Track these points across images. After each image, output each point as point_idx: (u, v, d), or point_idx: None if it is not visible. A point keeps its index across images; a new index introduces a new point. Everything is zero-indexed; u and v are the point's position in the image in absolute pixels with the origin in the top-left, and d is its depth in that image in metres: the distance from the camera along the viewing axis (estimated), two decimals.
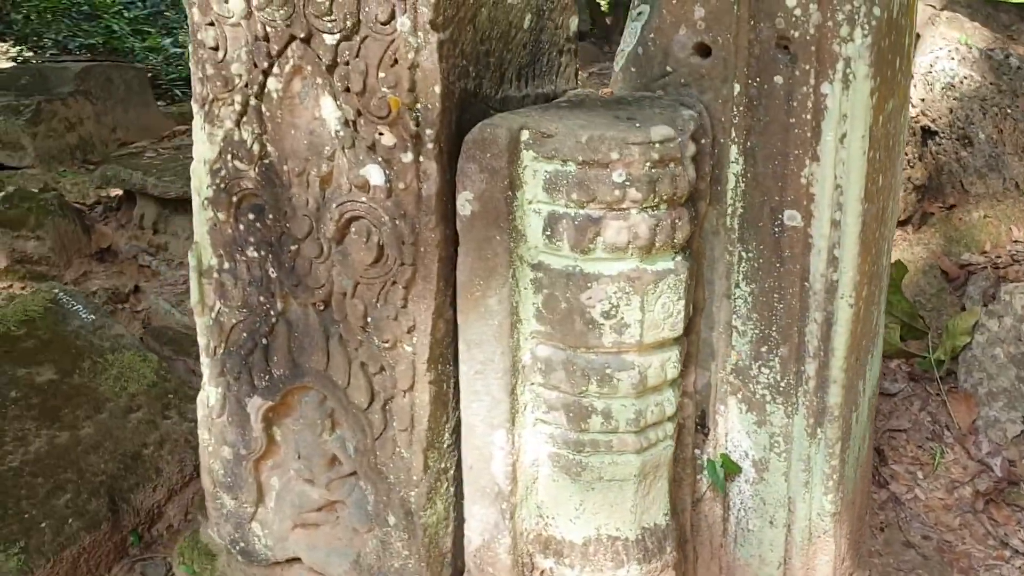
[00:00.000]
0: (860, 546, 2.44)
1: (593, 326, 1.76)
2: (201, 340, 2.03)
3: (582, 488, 1.89)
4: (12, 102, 5.78)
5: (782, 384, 2.03)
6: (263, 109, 1.80)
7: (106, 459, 2.81)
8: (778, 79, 1.87)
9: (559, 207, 1.73)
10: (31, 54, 9.73)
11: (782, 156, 1.90)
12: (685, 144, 1.75)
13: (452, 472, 1.97)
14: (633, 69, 2.02)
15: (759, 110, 1.91)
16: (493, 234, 1.76)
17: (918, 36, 3.78)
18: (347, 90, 1.71)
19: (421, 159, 1.71)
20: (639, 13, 2.02)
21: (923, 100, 3.86)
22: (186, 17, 1.85)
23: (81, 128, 5.99)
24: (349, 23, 1.66)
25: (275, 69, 1.76)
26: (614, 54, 2.06)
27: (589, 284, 1.74)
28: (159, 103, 7.13)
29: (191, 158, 2.03)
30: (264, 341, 1.94)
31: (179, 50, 9.71)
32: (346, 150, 1.74)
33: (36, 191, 4.65)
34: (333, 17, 1.67)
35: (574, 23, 2.06)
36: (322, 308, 1.88)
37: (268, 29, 1.73)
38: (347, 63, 1.69)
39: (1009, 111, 3.69)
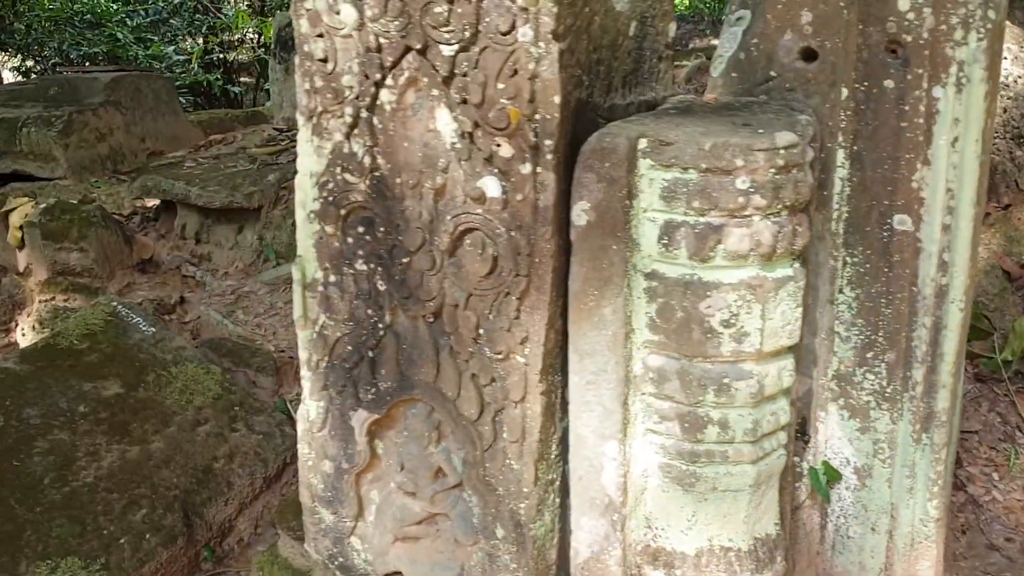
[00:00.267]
0: (947, 550, 2.42)
1: (712, 335, 1.74)
2: (303, 354, 2.01)
3: (695, 499, 1.87)
4: (43, 113, 5.77)
5: (888, 390, 2.01)
6: (375, 121, 1.78)
7: (178, 473, 2.80)
8: (888, 83, 1.85)
9: (677, 215, 1.71)
10: (32, 63, 9.74)
11: (892, 160, 1.88)
12: (806, 150, 1.74)
13: (558, 483, 1.95)
14: (734, 74, 2.01)
15: (867, 114, 1.90)
16: (609, 243, 1.74)
17: None
18: (464, 102, 1.69)
19: (539, 170, 1.69)
20: (738, 18, 2.00)
21: None
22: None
23: (111, 138, 5.97)
24: (468, 33, 1.65)
25: (388, 81, 1.74)
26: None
27: (708, 292, 1.72)
28: None
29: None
30: (371, 354, 1.92)
31: (181, 57, 9.72)
32: (462, 162, 1.73)
33: (76, 203, 4.63)
34: (451, 28, 1.65)
35: (672, 29, 2.04)
36: (432, 320, 1.86)
37: (381, 40, 1.72)
38: (465, 74, 1.67)
39: None
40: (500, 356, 1.81)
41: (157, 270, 4.51)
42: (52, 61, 9.63)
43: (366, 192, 1.83)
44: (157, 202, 5.00)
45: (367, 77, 1.75)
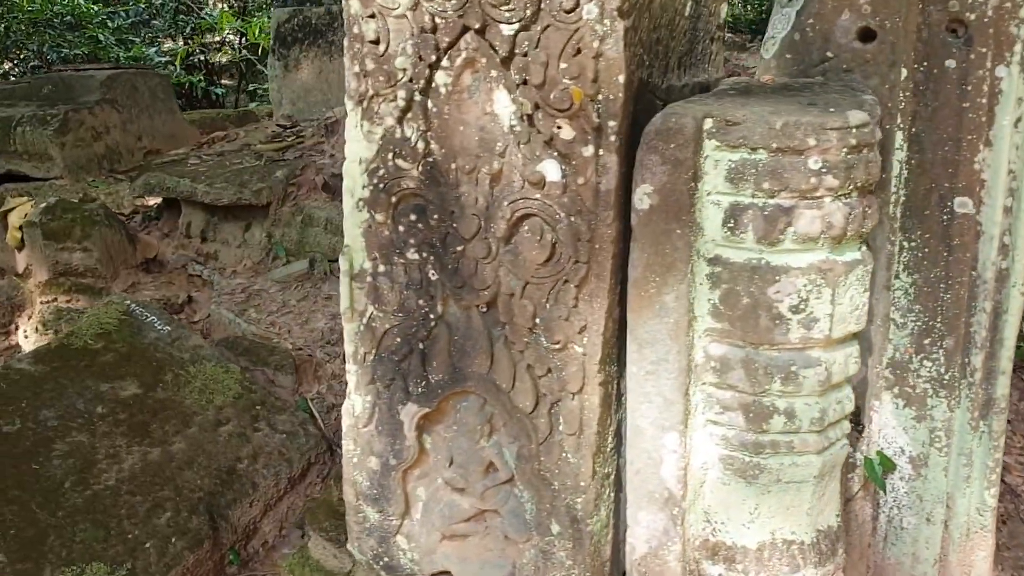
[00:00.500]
0: None
1: (780, 321, 1.69)
2: (348, 347, 1.94)
3: (757, 491, 1.82)
4: (37, 112, 5.66)
5: (946, 377, 1.97)
6: (429, 105, 1.72)
7: (201, 475, 2.72)
8: (950, 63, 1.81)
9: (744, 198, 1.66)
10: (11, 66, 9.57)
11: (953, 142, 1.84)
12: (875, 129, 1.69)
13: (613, 477, 1.90)
14: (788, 56, 1.96)
15: (926, 95, 1.85)
16: (673, 227, 1.69)
17: None
18: (525, 82, 1.63)
19: (601, 152, 1.64)
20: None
21: None
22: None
23: (108, 137, 5.87)
24: (528, 12, 1.59)
25: (444, 62, 1.68)
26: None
27: (777, 277, 1.67)
28: None
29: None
30: (421, 346, 1.86)
31: (164, 59, 9.60)
32: (520, 145, 1.67)
33: (77, 201, 4.53)
34: (511, 6, 1.59)
35: (724, 10, 1.99)
36: (485, 310, 1.80)
37: (437, 20, 1.66)
38: (525, 54, 1.62)
39: None
40: (557, 346, 1.76)
41: (162, 269, 4.42)
42: (32, 64, 9.47)
43: (419, 178, 1.76)
44: (159, 201, 4.90)
45: (421, 59, 1.69)
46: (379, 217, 1.81)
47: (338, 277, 4.08)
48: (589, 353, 1.75)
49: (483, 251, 1.75)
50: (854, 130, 1.62)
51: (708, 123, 1.65)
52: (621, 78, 1.59)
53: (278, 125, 5.18)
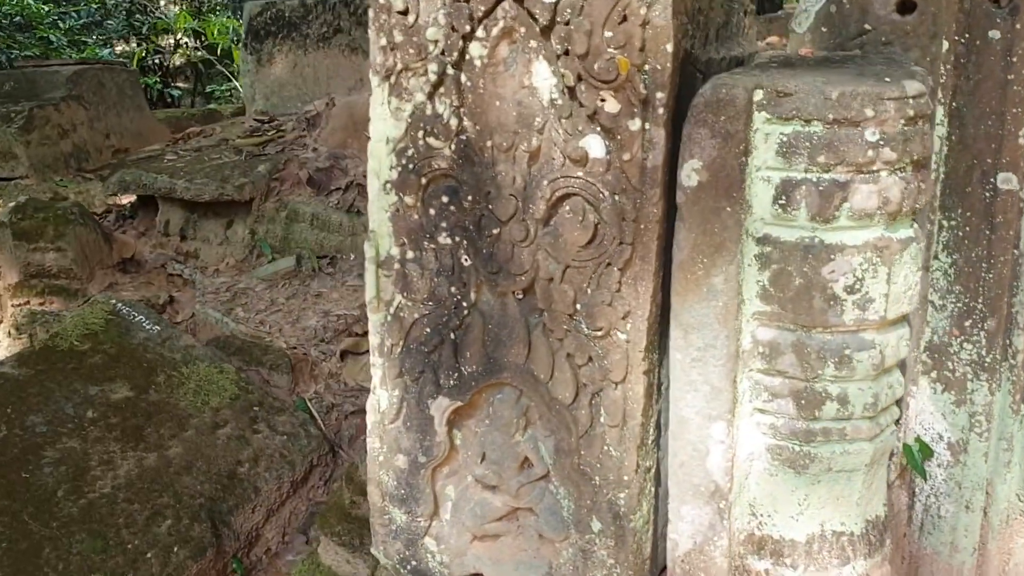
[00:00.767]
0: None
1: (834, 302, 1.61)
2: (373, 339, 1.83)
3: (807, 482, 1.74)
4: (0, 109, 5.45)
5: (987, 359, 1.91)
6: (462, 79, 1.62)
7: (201, 480, 2.60)
8: (993, 34, 1.75)
9: (796, 173, 1.58)
10: None
11: (996, 116, 1.78)
12: (929, 101, 1.62)
13: (654, 470, 1.82)
14: (824, 29, 1.89)
15: (968, 68, 1.80)
16: (723, 205, 1.61)
17: None
18: (567, 53, 1.54)
19: (648, 126, 1.55)
20: None
21: None
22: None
23: (75, 135, 5.68)
24: None
25: (479, 32, 1.59)
26: None
27: (832, 256, 1.59)
28: None
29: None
30: (453, 336, 1.76)
31: (118, 61, 9.39)
32: (562, 120, 1.58)
33: (50, 200, 4.36)
34: None
35: None
36: (521, 296, 1.71)
37: None
38: (567, 23, 1.52)
39: None
40: (599, 333, 1.67)
41: (140, 270, 4.26)
42: None
43: (451, 158, 1.67)
44: (133, 199, 4.74)
45: (454, 29, 1.59)
46: (408, 200, 1.71)
47: (327, 274, 3.98)
48: (633, 340, 1.66)
49: (520, 234, 1.65)
50: (911, 100, 1.55)
51: (759, 94, 1.57)
52: (669, 47, 1.51)
53: (255, 120, 5.04)
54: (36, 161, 5.41)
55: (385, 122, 1.69)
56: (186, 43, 10.73)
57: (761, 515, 1.79)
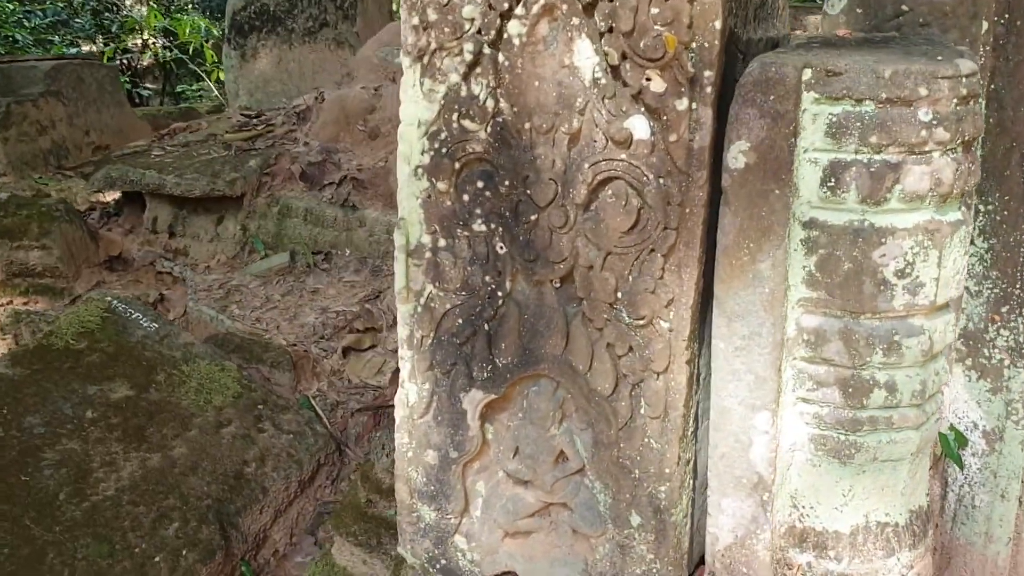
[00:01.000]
0: None
1: (884, 287, 1.57)
2: (402, 331, 1.77)
3: (852, 472, 1.70)
4: None
5: None
6: (500, 58, 1.56)
7: (207, 480, 2.51)
8: None
9: (846, 154, 1.53)
10: None
11: None
12: (980, 80, 1.58)
13: (693, 463, 1.76)
14: (859, 10, 1.84)
15: (1007, 49, 1.76)
16: (771, 188, 1.56)
17: None
18: (611, 30, 1.48)
19: (695, 106, 1.50)
20: None
21: None
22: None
23: (53, 132, 5.53)
24: None
25: (518, 10, 1.52)
26: None
27: (882, 239, 1.55)
28: None
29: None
30: (486, 327, 1.70)
31: (111, 63, 9.22)
32: (605, 100, 1.52)
33: (33, 196, 4.24)
34: None
35: None
36: (559, 285, 1.65)
37: None
38: None
39: None
40: (641, 322, 1.61)
41: (128, 268, 4.15)
42: None
43: (487, 141, 1.60)
44: (118, 196, 4.62)
45: (492, 7, 1.53)
46: (441, 185, 1.64)
47: (323, 270, 3.90)
48: (676, 329, 1.61)
49: (560, 219, 1.59)
50: (964, 79, 1.51)
51: (807, 74, 1.52)
52: (717, 24, 1.46)
53: (243, 115, 4.93)
54: (14, 158, 5.26)
55: (417, 104, 1.63)
56: (154, 42, 10.54)
57: (803, 507, 1.75)
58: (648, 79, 1.49)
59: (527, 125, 1.57)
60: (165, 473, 2.49)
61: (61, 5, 9.95)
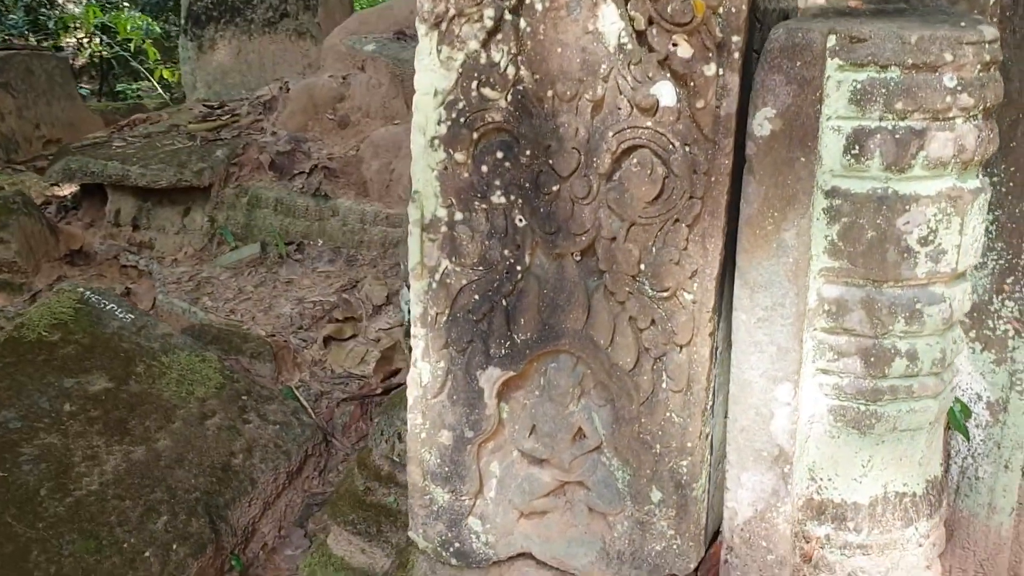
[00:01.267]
0: None
1: (908, 255, 1.57)
2: (415, 309, 1.72)
3: (871, 442, 1.69)
4: None
5: None
6: (521, 24, 1.52)
7: (194, 473, 2.44)
8: None
9: (870, 121, 1.53)
10: None
11: None
12: (1001, 46, 1.59)
13: (711, 437, 1.75)
14: None
15: (1014, 20, 1.78)
16: (797, 155, 1.55)
17: None
18: None
19: (723, 72, 1.48)
20: None
21: None
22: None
23: (2, 124, 5.35)
24: None
25: None
26: None
27: (906, 207, 1.55)
28: None
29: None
30: (504, 302, 1.66)
31: (60, 54, 8.96)
32: (631, 66, 1.49)
33: None
34: None
35: None
36: (579, 258, 1.62)
37: None
38: None
39: None
40: (665, 294, 1.59)
41: (90, 262, 4.02)
42: None
43: (507, 110, 1.56)
44: (75, 189, 4.47)
45: None
46: (458, 157, 1.60)
47: (295, 260, 3.81)
48: (700, 300, 1.59)
49: (583, 190, 1.56)
50: (987, 45, 1.52)
51: (831, 40, 1.51)
52: None
53: (205, 105, 4.81)
54: None
55: (433, 73, 1.58)
56: (92, 40, 10.25)
57: (821, 479, 1.74)
58: (675, 44, 1.47)
59: (549, 93, 1.54)
60: (150, 466, 2.40)
61: None
